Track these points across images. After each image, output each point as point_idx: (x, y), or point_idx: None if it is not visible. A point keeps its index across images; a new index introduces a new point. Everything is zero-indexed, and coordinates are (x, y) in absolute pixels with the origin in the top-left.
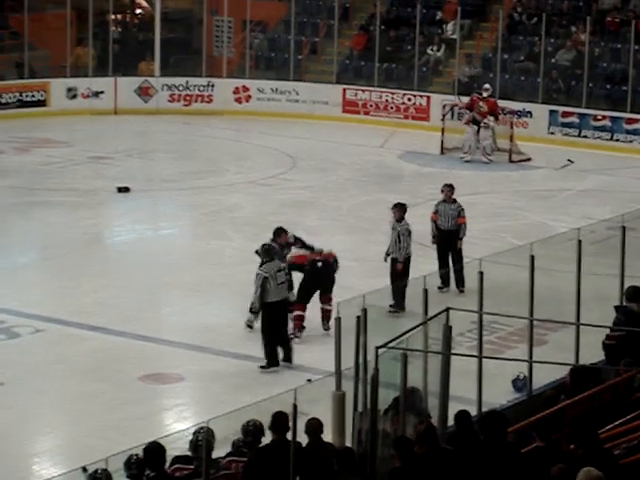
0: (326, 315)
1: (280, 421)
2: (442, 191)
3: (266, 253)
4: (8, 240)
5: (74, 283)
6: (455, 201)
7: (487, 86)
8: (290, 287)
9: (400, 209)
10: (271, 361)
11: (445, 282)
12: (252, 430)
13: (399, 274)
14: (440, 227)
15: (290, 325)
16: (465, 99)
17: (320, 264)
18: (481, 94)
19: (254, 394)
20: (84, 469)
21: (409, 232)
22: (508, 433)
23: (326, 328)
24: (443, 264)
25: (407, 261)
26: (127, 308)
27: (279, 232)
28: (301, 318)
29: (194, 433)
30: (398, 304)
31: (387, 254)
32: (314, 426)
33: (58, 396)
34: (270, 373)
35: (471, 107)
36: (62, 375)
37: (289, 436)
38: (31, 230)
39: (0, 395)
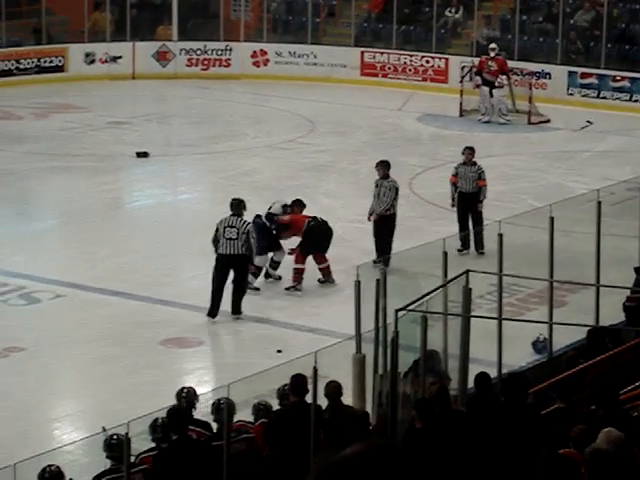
0: (326, 272)
1: (299, 384)
2: (463, 153)
3: (231, 206)
4: (28, 206)
5: (94, 248)
6: (475, 164)
7: (493, 45)
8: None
9: (383, 166)
10: (210, 310)
11: (465, 245)
12: (263, 410)
13: (380, 228)
14: (460, 189)
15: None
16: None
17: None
18: (488, 54)
19: (274, 358)
20: (104, 429)
21: (396, 189)
22: (528, 394)
23: (331, 280)
24: (463, 227)
25: (392, 218)
26: (147, 273)
27: (297, 203)
28: (301, 271)
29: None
30: (382, 259)
31: (370, 213)
32: (334, 389)
33: (79, 361)
34: (289, 337)
35: (480, 69)
36: (83, 340)
37: (308, 399)
38: (50, 196)
39: (21, 360)
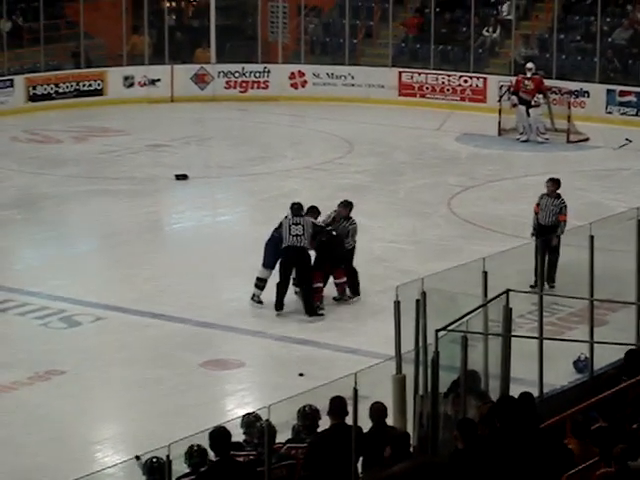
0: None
1: (338, 405)
2: (546, 184)
3: (291, 209)
4: (68, 229)
5: (134, 271)
6: (559, 196)
7: (530, 65)
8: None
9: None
10: (276, 304)
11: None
12: (310, 413)
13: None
14: (540, 221)
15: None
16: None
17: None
18: (525, 73)
19: (314, 379)
20: (137, 457)
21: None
22: (575, 413)
23: (345, 298)
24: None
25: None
26: (187, 295)
27: (312, 210)
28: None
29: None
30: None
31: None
32: (378, 410)
33: (120, 384)
34: (330, 358)
35: (517, 89)
36: (123, 363)
37: (348, 420)
38: (90, 219)
39: (62, 383)
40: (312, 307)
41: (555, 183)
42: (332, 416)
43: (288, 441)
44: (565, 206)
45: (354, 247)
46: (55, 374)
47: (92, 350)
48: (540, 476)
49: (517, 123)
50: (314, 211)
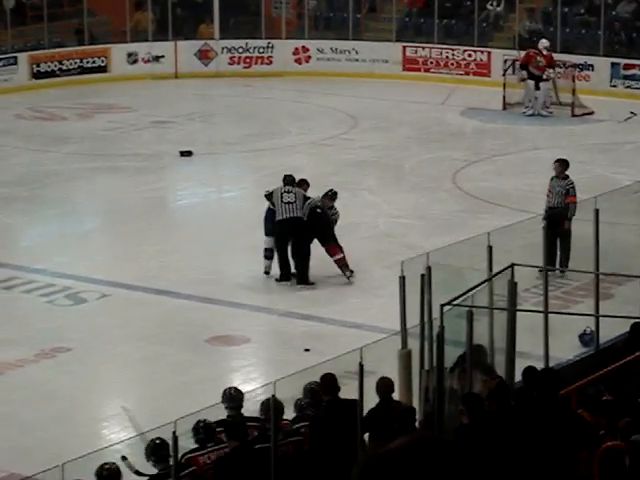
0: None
1: (329, 382)
2: (553, 167)
3: (284, 180)
4: (73, 206)
5: (139, 248)
6: (566, 177)
7: (546, 43)
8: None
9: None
10: (280, 275)
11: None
12: (316, 390)
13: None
14: (549, 204)
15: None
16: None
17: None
18: (538, 49)
19: (320, 354)
20: (124, 458)
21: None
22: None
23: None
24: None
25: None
26: (192, 271)
27: (301, 182)
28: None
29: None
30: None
31: None
32: (385, 386)
33: (125, 360)
34: (335, 334)
35: (527, 62)
36: (129, 339)
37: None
38: (95, 196)
39: (68, 360)
40: (304, 276)
41: (562, 164)
42: (324, 394)
43: (295, 419)
44: (573, 187)
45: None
46: (61, 351)
47: (98, 327)
48: (559, 449)
49: (524, 96)
50: (305, 183)
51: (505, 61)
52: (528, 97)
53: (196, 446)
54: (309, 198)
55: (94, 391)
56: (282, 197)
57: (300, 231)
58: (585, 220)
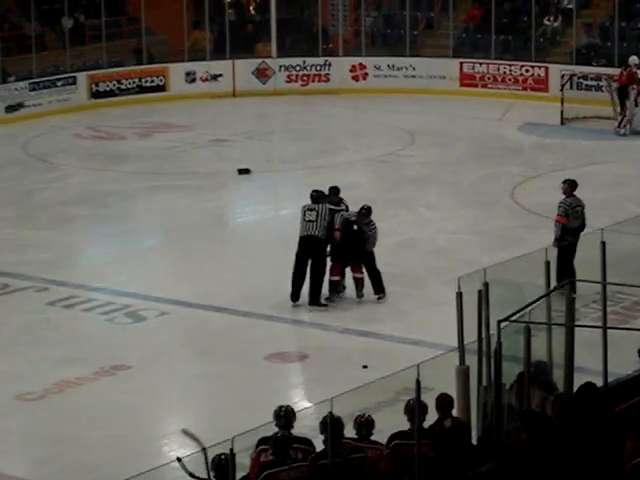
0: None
1: (445, 403)
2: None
3: (311, 197)
4: (132, 225)
5: (198, 265)
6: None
7: (637, 60)
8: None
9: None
10: (291, 294)
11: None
12: (365, 424)
13: None
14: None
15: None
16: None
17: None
18: (629, 66)
19: (378, 371)
20: (179, 459)
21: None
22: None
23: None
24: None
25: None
26: (250, 288)
27: (332, 189)
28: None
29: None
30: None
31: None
32: (444, 402)
33: (185, 377)
34: (392, 350)
35: (632, 81)
36: (188, 357)
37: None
38: (154, 214)
39: (128, 378)
40: (316, 297)
41: (564, 183)
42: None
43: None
44: (559, 206)
45: (372, 251)
46: (120, 369)
47: (157, 345)
48: (611, 463)
49: (634, 116)
50: (335, 191)
51: (562, 76)
52: (628, 115)
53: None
54: (339, 210)
55: (154, 408)
56: (305, 215)
57: (318, 251)
58: None
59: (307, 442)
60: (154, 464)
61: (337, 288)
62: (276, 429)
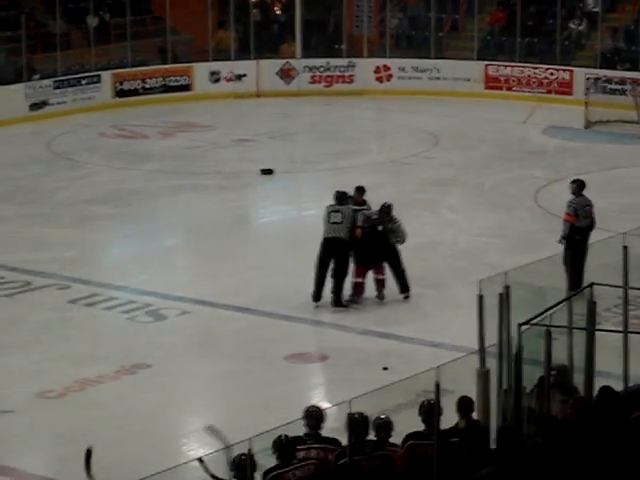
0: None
1: (465, 404)
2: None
3: (335, 198)
4: (155, 224)
5: (220, 265)
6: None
7: None
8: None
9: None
10: (313, 294)
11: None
12: (383, 426)
13: None
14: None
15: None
16: None
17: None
18: None
19: (398, 373)
20: (200, 460)
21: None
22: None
23: (381, 297)
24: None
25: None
26: (272, 288)
27: (357, 189)
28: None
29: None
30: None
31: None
32: (465, 404)
33: (205, 377)
34: (412, 352)
35: None
36: (209, 356)
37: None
38: (177, 213)
39: (148, 377)
40: (338, 298)
41: (573, 184)
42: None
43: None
44: (567, 205)
45: (399, 248)
46: (141, 368)
47: (177, 344)
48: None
49: None
50: (360, 191)
51: (587, 79)
52: None
53: (277, 463)
54: (362, 209)
55: (174, 407)
56: (329, 217)
57: (341, 252)
58: None
59: (335, 442)
60: (174, 463)
61: (360, 290)
62: (303, 429)
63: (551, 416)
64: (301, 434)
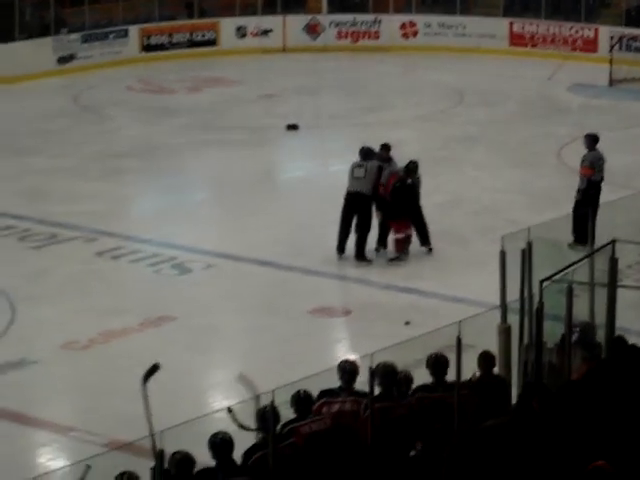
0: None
1: (487, 359)
2: None
3: (360, 153)
4: (182, 178)
5: (245, 219)
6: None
7: None
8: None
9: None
10: (337, 246)
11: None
12: (404, 381)
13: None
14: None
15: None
16: None
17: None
18: None
19: (419, 327)
20: (229, 410)
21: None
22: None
23: (402, 258)
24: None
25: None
26: (297, 243)
27: (383, 146)
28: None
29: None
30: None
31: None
32: (487, 359)
33: (229, 330)
34: (435, 307)
35: None
36: (233, 310)
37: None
38: (203, 168)
39: (173, 330)
40: (361, 252)
41: (586, 138)
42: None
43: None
44: (582, 160)
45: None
46: (166, 320)
47: (203, 297)
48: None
49: None
50: (385, 148)
51: (612, 37)
52: None
53: (295, 416)
54: (387, 167)
55: (198, 360)
56: (353, 172)
57: (364, 207)
58: None
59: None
60: (200, 414)
61: (401, 246)
62: (329, 382)
63: (540, 384)
64: (333, 387)
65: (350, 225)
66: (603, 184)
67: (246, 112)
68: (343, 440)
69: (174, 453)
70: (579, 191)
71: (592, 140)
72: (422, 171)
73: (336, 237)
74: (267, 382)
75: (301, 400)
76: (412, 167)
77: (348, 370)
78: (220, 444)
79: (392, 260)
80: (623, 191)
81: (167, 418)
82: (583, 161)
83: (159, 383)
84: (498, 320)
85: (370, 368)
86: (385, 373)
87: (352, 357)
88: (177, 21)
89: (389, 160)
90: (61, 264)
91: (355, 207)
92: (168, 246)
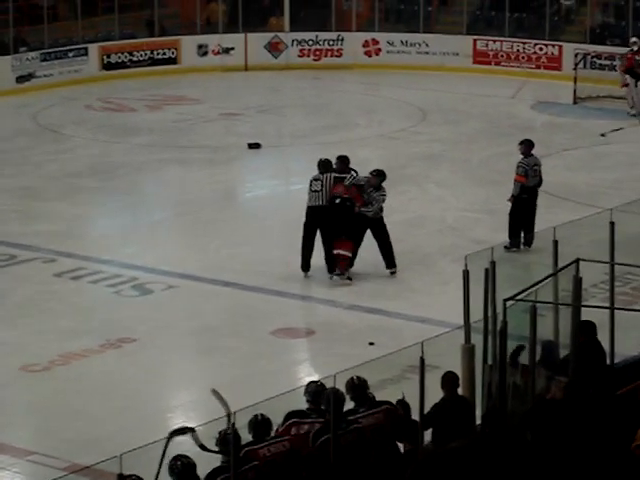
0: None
1: (450, 380)
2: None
3: (318, 166)
4: (141, 198)
5: (206, 239)
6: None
7: (634, 39)
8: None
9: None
10: (302, 264)
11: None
12: (358, 385)
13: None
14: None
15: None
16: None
17: (338, 200)
18: (632, 49)
19: (384, 348)
20: (192, 430)
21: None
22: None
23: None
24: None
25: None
26: (259, 263)
27: (339, 158)
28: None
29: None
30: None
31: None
32: (450, 380)
33: (191, 352)
34: (399, 327)
35: (631, 66)
36: (194, 331)
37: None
38: (164, 187)
39: (134, 351)
40: (331, 267)
41: (521, 145)
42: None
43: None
44: (517, 166)
45: (382, 218)
46: (126, 342)
47: (163, 318)
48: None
49: (627, 95)
50: (342, 160)
51: (576, 55)
52: (630, 95)
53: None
54: (347, 176)
55: (159, 382)
56: (311, 185)
57: (325, 220)
58: None
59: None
60: (157, 437)
61: (347, 266)
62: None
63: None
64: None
65: (313, 240)
66: (540, 189)
67: (207, 131)
68: (301, 463)
69: None
70: (513, 197)
71: (527, 146)
72: (385, 188)
73: (299, 256)
74: (229, 404)
75: (258, 424)
76: (374, 174)
77: (315, 391)
78: (181, 469)
79: (338, 276)
80: (587, 210)
81: (131, 441)
82: (518, 167)
83: (120, 405)
84: (462, 340)
85: (332, 388)
86: (335, 399)
87: (316, 378)
88: (137, 39)
89: (348, 172)
90: (20, 285)
91: (317, 221)
92: (128, 267)
